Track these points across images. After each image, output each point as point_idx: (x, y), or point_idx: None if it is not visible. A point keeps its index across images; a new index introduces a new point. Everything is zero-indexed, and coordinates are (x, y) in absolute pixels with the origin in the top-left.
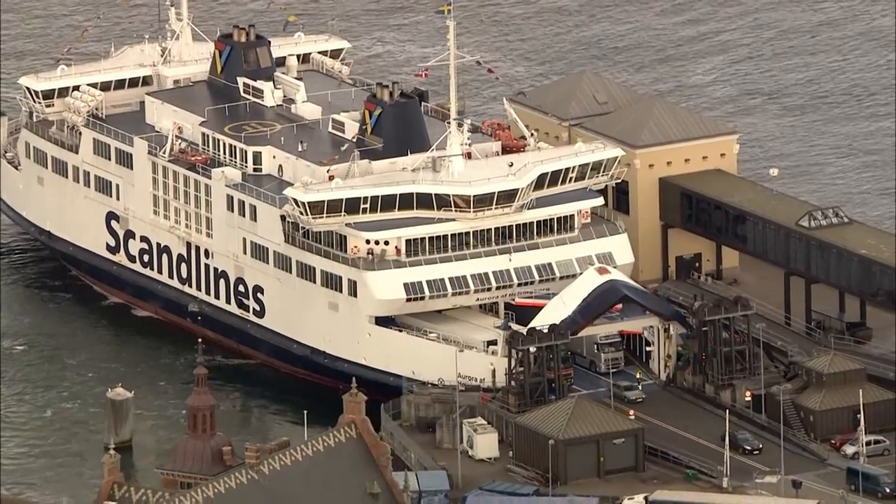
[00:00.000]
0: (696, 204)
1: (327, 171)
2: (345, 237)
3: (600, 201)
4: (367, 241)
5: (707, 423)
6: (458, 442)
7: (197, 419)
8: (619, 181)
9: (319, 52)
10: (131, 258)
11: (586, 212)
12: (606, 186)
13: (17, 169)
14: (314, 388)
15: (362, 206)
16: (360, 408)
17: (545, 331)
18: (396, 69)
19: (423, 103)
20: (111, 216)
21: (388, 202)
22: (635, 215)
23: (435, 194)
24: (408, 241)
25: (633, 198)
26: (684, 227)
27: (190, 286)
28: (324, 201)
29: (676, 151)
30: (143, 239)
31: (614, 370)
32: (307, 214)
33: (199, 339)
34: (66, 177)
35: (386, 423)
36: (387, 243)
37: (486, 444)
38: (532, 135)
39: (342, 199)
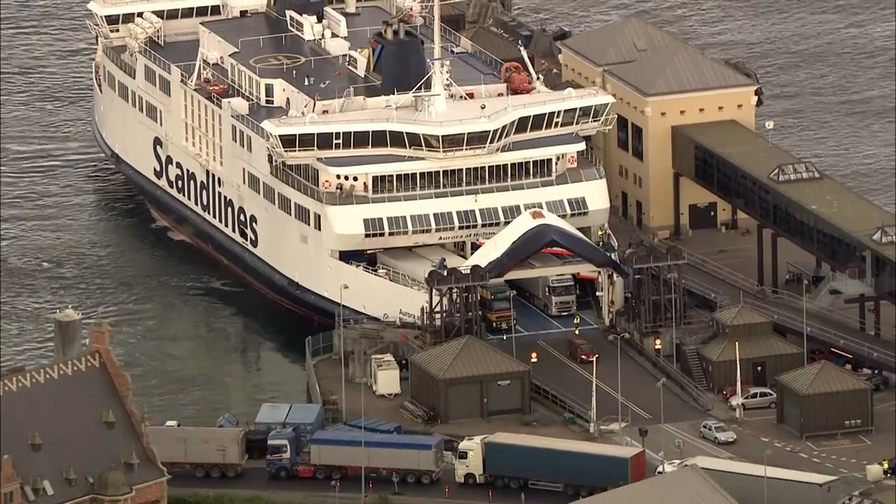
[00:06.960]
0: (701, 154)
1: (305, 105)
2: (317, 171)
3: (581, 146)
4: (338, 177)
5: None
6: (367, 377)
7: None
8: (609, 128)
9: None
10: (170, 183)
11: (572, 156)
12: (628, 133)
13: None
14: (294, 317)
15: (335, 141)
16: (105, 338)
17: (465, 271)
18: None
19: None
20: (157, 141)
21: (360, 139)
22: (647, 163)
23: (406, 133)
24: (375, 178)
25: (645, 145)
26: (694, 176)
27: (208, 213)
28: (296, 135)
29: (691, 101)
30: (178, 165)
31: (565, 313)
32: (280, 147)
33: None
34: (127, 101)
35: (308, 356)
36: (355, 179)
37: (386, 380)
38: (538, 78)
39: (314, 134)
